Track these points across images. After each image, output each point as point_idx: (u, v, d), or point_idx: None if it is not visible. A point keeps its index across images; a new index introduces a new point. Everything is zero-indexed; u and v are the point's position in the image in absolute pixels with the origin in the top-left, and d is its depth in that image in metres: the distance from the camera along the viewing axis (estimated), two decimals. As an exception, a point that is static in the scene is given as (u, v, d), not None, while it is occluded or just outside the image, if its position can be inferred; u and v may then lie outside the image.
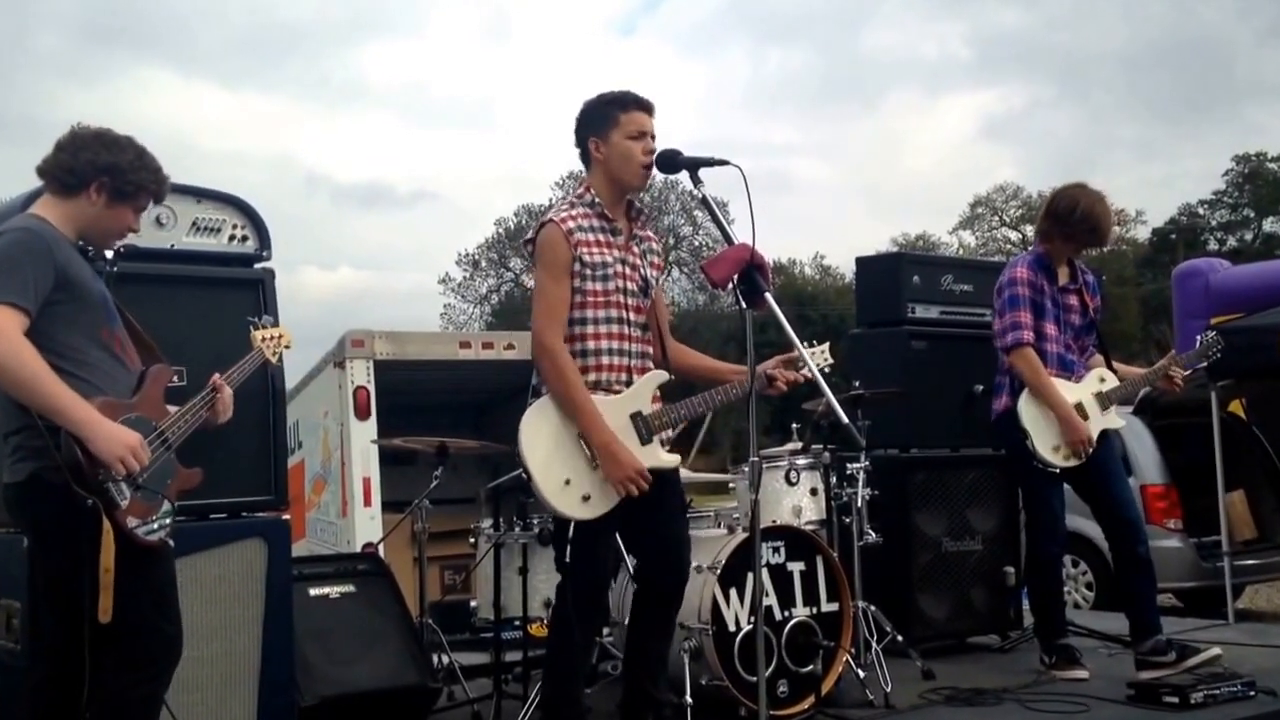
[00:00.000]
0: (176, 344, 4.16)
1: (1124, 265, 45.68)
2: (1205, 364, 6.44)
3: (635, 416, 4.27)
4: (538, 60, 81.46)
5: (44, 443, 3.33)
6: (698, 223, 48.33)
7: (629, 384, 4.33)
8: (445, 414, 8.53)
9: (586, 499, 4.14)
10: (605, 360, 4.29)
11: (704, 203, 4.09)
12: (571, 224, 4.25)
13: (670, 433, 4.40)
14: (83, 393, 3.40)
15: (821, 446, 5.69)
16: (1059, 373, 5.87)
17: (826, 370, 4.49)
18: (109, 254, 4.06)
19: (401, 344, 7.96)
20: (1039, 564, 6.01)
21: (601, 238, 4.31)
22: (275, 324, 4.37)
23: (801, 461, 5.61)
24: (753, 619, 5.01)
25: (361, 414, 7.70)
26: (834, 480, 5.80)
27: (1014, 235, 52.17)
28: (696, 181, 4.08)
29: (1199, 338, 6.40)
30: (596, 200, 4.34)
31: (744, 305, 3.87)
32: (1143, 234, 50.70)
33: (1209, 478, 8.45)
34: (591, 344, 4.28)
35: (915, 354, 6.66)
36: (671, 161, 4.17)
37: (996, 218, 54.93)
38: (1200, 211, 51.16)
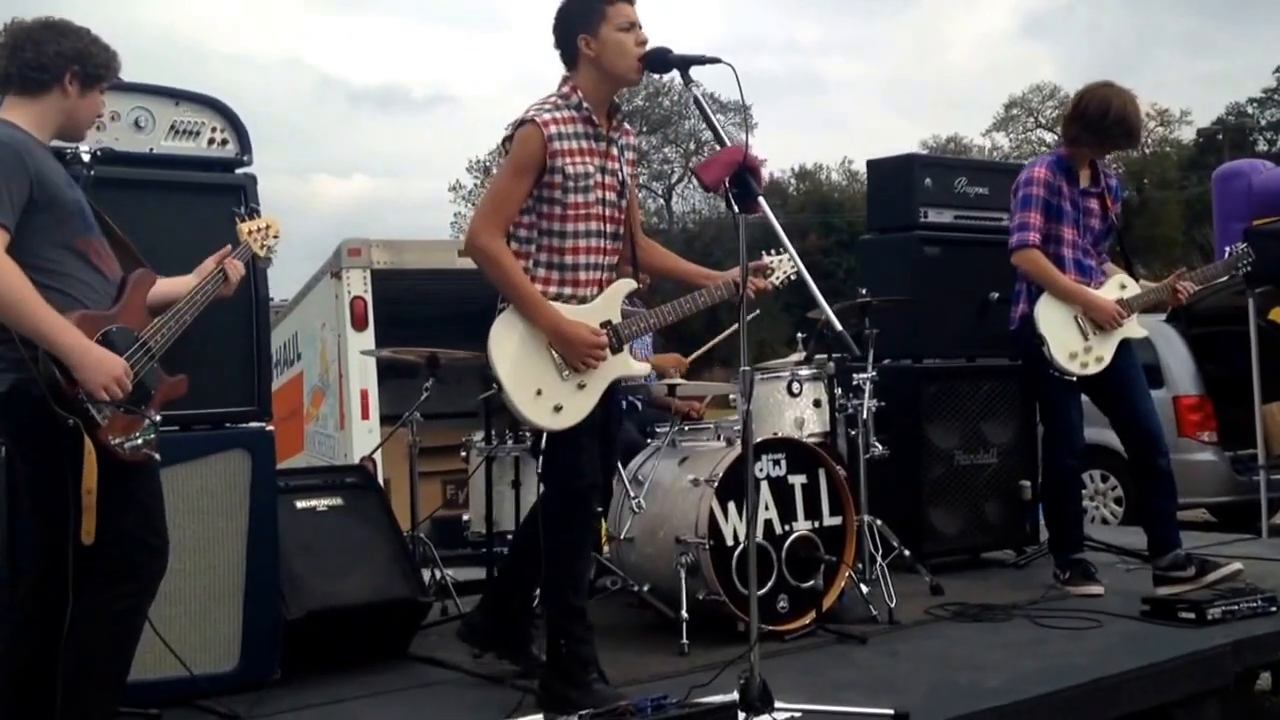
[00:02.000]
0: (155, 250, 4.00)
1: (1167, 168, 44.79)
2: (1232, 276, 6.20)
3: (605, 325, 4.15)
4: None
5: (22, 355, 3.24)
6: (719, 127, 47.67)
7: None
8: (450, 325, 8.39)
9: (559, 409, 4.02)
10: (583, 275, 4.14)
11: (696, 103, 3.97)
12: (554, 129, 4.04)
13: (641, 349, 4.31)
14: (60, 305, 3.30)
15: (825, 357, 5.51)
16: (1077, 278, 5.72)
17: (791, 279, 4.36)
18: (85, 158, 3.94)
19: (399, 253, 7.85)
20: (1054, 476, 5.86)
21: (585, 144, 4.12)
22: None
23: (804, 372, 5.45)
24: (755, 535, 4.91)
25: (359, 325, 7.63)
26: (840, 392, 5.63)
27: (1049, 137, 50.88)
28: (688, 81, 3.95)
29: (1229, 249, 6.17)
30: (584, 104, 4.13)
31: (736, 208, 3.74)
32: (1188, 135, 49.41)
33: (1245, 388, 8.18)
34: (569, 258, 4.12)
35: (928, 260, 6.45)
36: (662, 60, 4.01)
37: (1032, 119, 53.70)
38: (1249, 111, 49.73)
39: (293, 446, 9.25)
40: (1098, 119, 5.68)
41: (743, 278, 3.84)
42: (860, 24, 75.71)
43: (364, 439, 7.69)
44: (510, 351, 4.01)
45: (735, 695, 3.64)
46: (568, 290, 4.11)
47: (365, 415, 7.85)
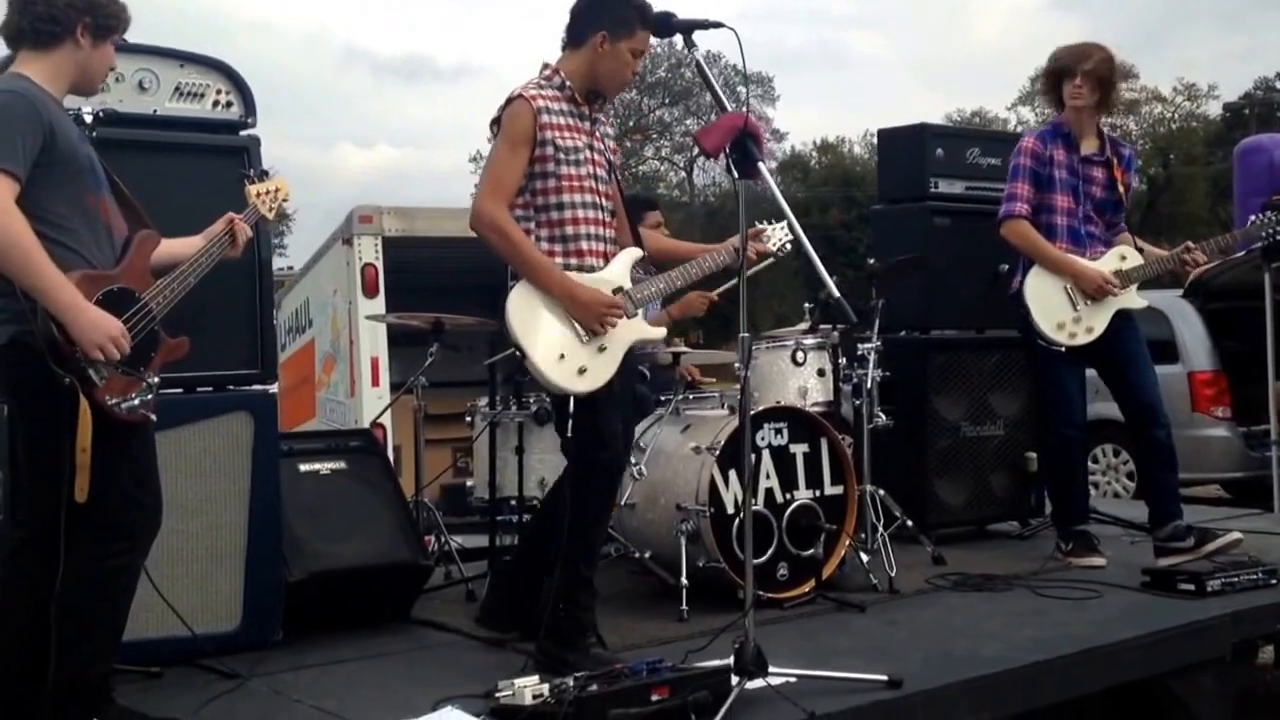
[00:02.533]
0: (158, 211, 4.01)
1: (1193, 143, 44.34)
2: (1250, 250, 6.17)
3: (618, 291, 4.18)
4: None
5: (23, 307, 3.27)
6: (740, 98, 47.30)
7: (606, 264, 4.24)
8: (461, 293, 8.41)
9: (583, 371, 4.05)
10: (585, 245, 4.17)
11: (698, 67, 3.98)
12: (541, 103, 4.11)
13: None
14: (65, 260, 3.32)
15: (830, 327, 5.51)
16: (1070, 247, 5.70)
17: (788, 247, 4.39)
18: (87, 119, 3.97)
19: (410, 220, 7.85)
20: (1055, 447, 5.85)
21: (572, 122, 4.19)
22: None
23: (809, 341, 5.44)
24: (752, 500, 4.92)
25: (369, 292, 7.63)
26: (844, 362, 5.63)
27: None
28: (690, 45, 3.96)
29: (1251, 218, 6.08)
30: (568, 84, 4.20)
31: (736, 175, 3.76)
32: (1215, 110, 48.85)
33: (1261, 364, 8.15)
34: (571, 229, 4.15)
35: (937, 231, 6.44)
36: (665, 24, 4.01)
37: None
38: (1278, 85, 49.12)
39: (305, 413, 9.29)
40: (1047, 69, 5.82)
41: (742, 243, 3.84)
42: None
43: (374, 406, 7.70)
44: (529, 319, 4.03)
45: (730, 660, 3.67)
46: (574, 261, 4.14)
47: (375, 382, 7.87)
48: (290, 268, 15.30)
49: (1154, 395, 5.75)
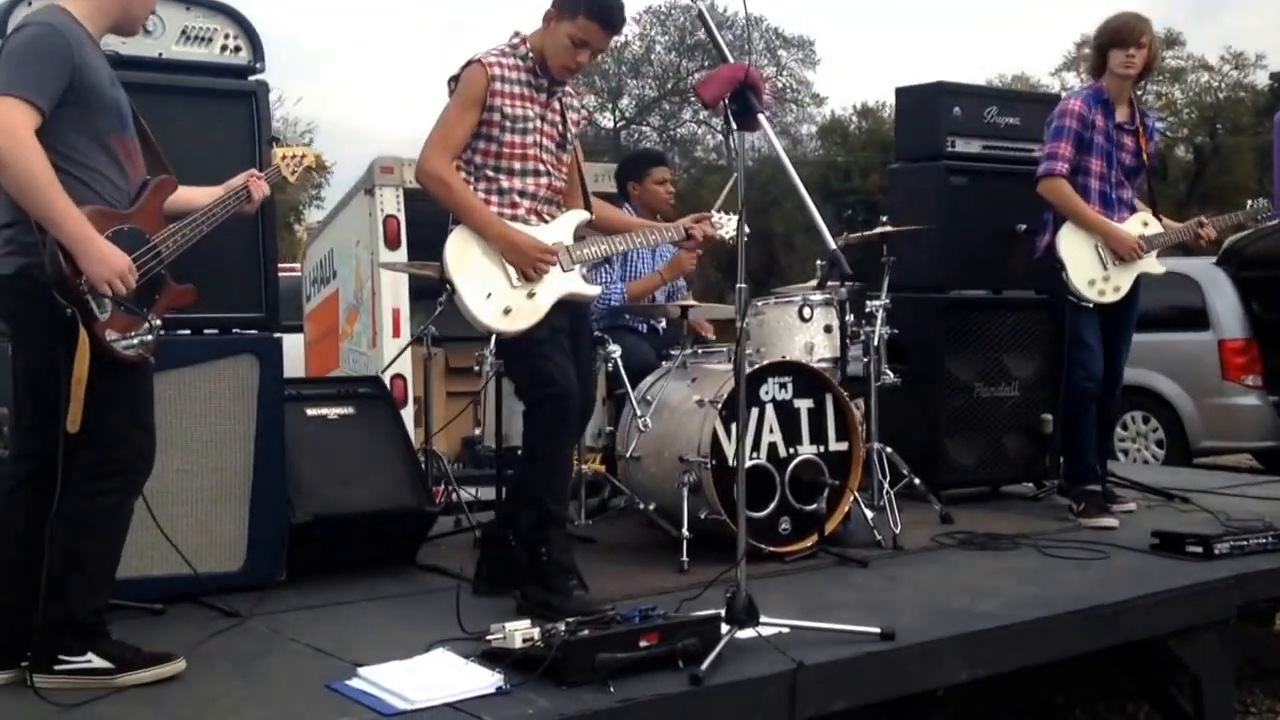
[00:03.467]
0: (166, 157, 4.05)
1: (1240, 113, 43.58)
2: (1254, 222, 6.33)
3: (557, 245, 4.31)
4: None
5: (34, 239, 3.30)
6: (781, 63, 46.89)
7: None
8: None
9: (508, 311, 4.19)
10: (522, 202, 4.32)
11: (700, 17, 3.98)
12: (497, 70, 4.25)
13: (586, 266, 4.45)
14: (81, 196, 3.35)
15: (839, 283, 5.49)
16: (1101, 209, 5.82)
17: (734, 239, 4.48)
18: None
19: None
20: (1069, 399, 5.89)
21: (526, 91, 4.32)
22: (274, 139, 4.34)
23: (816, 297, 5.42)
24: (754, 454, 4.93)
25: (392, 243, 7.64)
26: (852, 319, 5.61)
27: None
28: None
29: (1250, 201, 6.32)
30: (529, 55, 4.32)
31: (734, 126, 3.76)
32: (1262, 80, 47.95)
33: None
34: (505, 183, 4.30)
35: (954, 190, 6.38)
36: None
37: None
38: (1327, 56, 48.12)
39: (329, 363, 9.32)
40: (1097, 37, 5.91)
41: (740, 204, 3.90)
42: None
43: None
44: (462, 259, 4.22)
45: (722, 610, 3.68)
46: (508, 212, 4.29)
47: (396, 333, 7.89)
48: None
49: (1121, 364, 6.04)
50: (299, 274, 10.60)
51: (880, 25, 66.76)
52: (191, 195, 3.88)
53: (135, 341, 3.47)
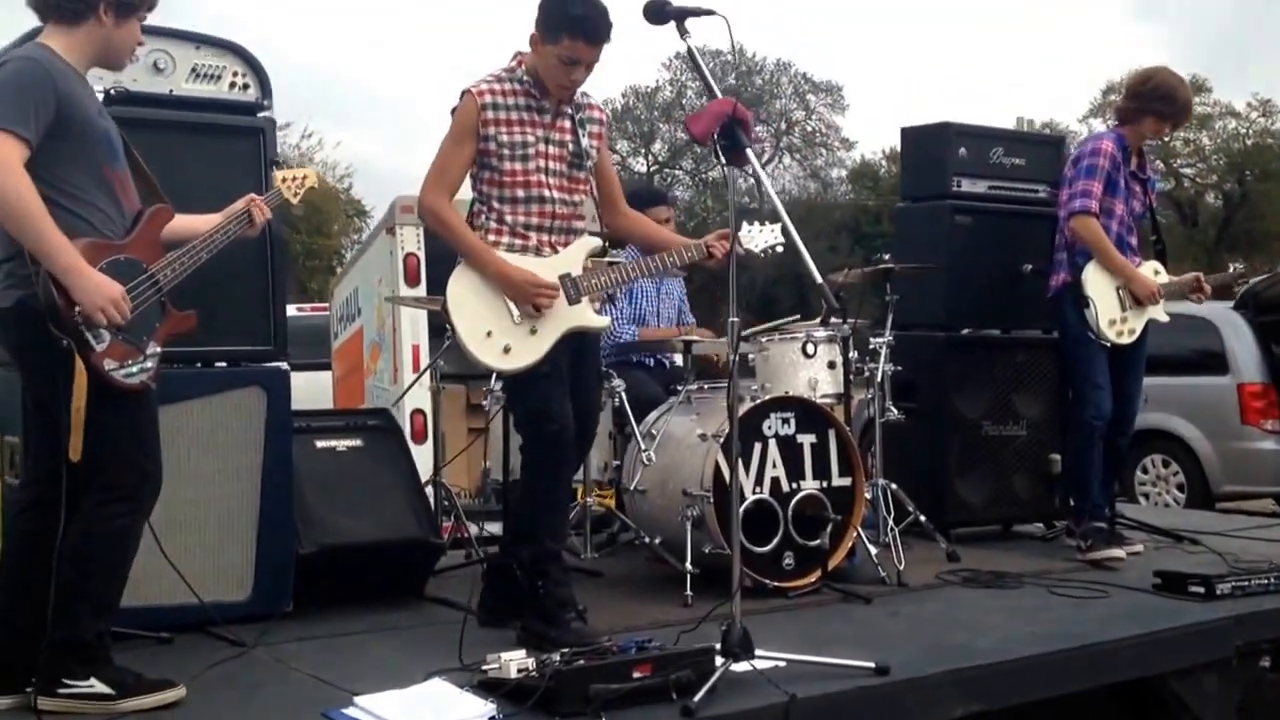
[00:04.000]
0: (173, 190, 4.12)
1: (1269, 160, 43.44)
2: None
3: (564, 278, 4.28)
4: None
5: (30, 271, 3.36)
6: (810, 107, 47.07)
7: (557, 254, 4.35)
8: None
9: (507, 350, 4.18)
10: (531, 236, 4.29)
11: (689, 55, 4.00)
12: (489, 98, 4.23)
13: (599, 300, 4.42)
14: (74, 229, 3.41)
15: (842, 320, 5.54)
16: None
17: (778, 249, 4.51)
18: (100, 97, 4.07)
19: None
20: (1076, 435, 5.94)
21: (525, 116, 4.27)
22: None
23: (820, 334, 5.47)
24: (757, 489, 4.97)
25: (411, 281, 7.71)
26: (856, 355, 5.66)
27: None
28: (683, 32, 3.94)
29: (1233, 266, 6.63)
30: (525, 78, 4.29)
31: (724, 161, 3.82)
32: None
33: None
34: (509, 215, 4.28)
35: (959, 229, 6.42)
36: (659, 12, 4.00)
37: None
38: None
39: (355, 399, 9.39)
40: (1138, 89, 5.92)
41: (732, 236, 3.93)
42: (968, 5, 73.29)
43: (415, 392, 7.80)
44: (464, 298, 4.21)
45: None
46: (519, 243, 4.27)
47: (416, 369, 7.96)
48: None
49: (1135, 408, 6.08)
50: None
51: (910, 71, 66.84)
52: (191, 223, 3.95)
53: (135, 369, 3.53)
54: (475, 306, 4.19)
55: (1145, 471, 10.21)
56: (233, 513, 4.55)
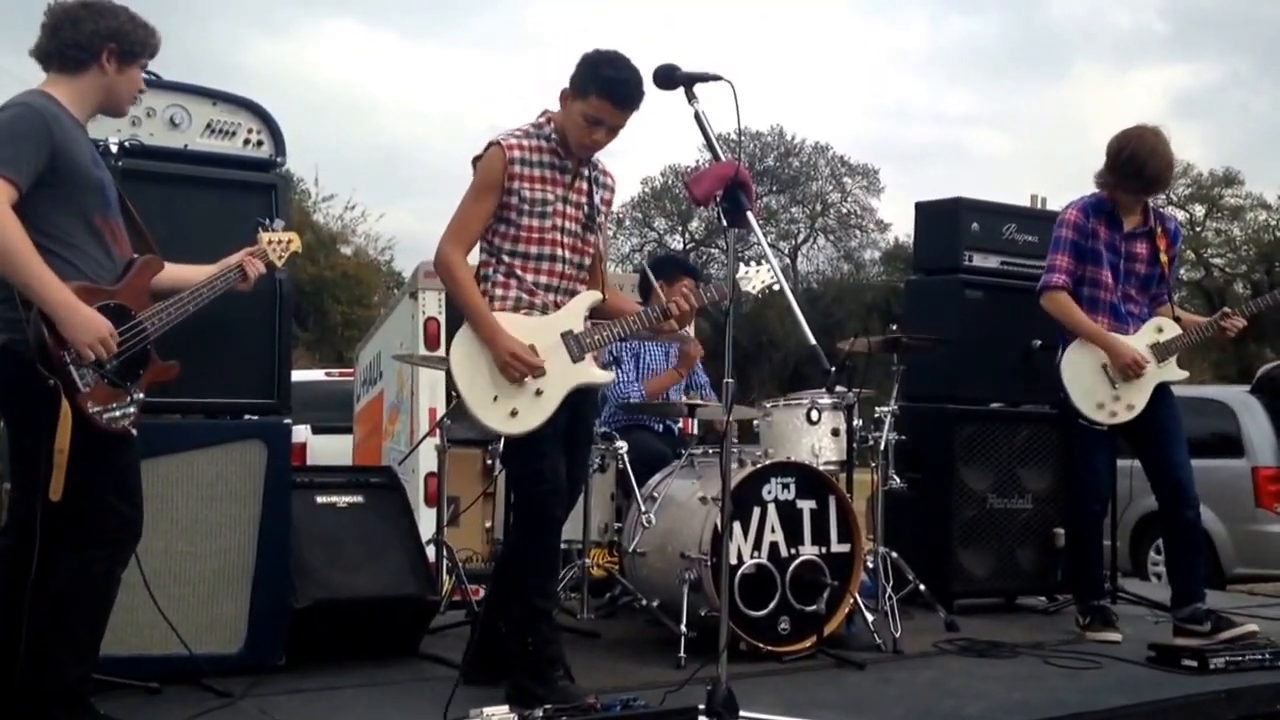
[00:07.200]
0: (184, 245, 4.23)
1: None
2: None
3: (566, 335, 4.28)
4: (701, 17, 79.47)
5: (19, 316, 3.41)
6: (846, 189, 47.35)
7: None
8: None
9: (515, 414, 4.15)
10: (540, 293, 4.28)
11: (696, 119, 4.03)
12: (517, 153, 4.23)
13: (599, 352, 4.43)
14: (65, 274, 3.47)
15: (846, 388, 5.56)
16: (1111, 323, 5.67)
17: (772, 289, 4.57)
18: (114, 149, 4.18)
19: (475, 275, 8.01)
20: (1078, 521, 5.86)
21: (547, 174, 4.28)
22: (286, 229, 4.44)
23: (824, 401, 5.49)
24: (755, 553, 4.97)
25: (431, 345, 7.79)
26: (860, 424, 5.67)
27: (1181, 214, 49.82)
28: (691, 97, 4.00)
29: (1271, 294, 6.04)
30: (553, 135, 4.31)
31: (725, 223, 3.87)
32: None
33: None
34: (520, 271, 4.27)
35: (970, 303, 6.46)
36: (669, 78, 4.09)
37: (1164, 196, 52.10)
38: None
39: (373, 462, 9.46)
40: (1112, 159, 5.65)
41: (731, 294, 3.97)
42: (1009, 99, 73.45)
43: (430, 456, 7.85)
44: (468, 361, 4.18)
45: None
46: (525, 298, 4.26)
47: (434, 433, 8.03)
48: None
49: (1186, 474, 5.63)
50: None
51: (943, 159, 67.04)
52: (183, 273, 4.00)
53: (117, 414, 3.58)
54: (479, 369, 4.16)
55: (1158, 552, 10.11)
56: (228, 565, 4.58)
